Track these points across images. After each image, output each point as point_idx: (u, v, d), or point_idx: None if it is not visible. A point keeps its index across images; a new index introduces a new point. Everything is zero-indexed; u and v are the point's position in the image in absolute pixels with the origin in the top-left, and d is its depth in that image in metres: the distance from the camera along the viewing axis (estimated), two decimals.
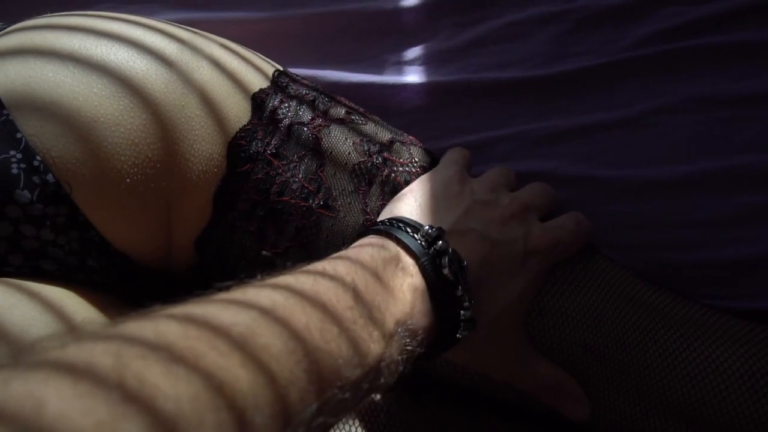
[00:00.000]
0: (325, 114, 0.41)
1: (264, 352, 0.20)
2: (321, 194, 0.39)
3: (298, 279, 0.25)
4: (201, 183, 0.37)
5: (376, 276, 0.28)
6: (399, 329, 0.27)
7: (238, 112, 0.38)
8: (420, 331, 0.28)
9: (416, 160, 0.41)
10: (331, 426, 0.23)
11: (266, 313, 0.21)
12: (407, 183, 0.39)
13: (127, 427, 0.15)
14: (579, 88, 0.47)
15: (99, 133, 0.34)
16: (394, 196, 0.38)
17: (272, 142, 0.39)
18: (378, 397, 0.40)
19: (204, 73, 0.38)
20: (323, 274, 0.26)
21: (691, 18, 0.46)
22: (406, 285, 0.29)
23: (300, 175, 0.39)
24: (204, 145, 0.37)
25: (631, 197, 0.45)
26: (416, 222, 0.32)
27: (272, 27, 0.51)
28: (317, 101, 0.42)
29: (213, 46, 0.40)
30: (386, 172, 0.40)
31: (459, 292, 0.30)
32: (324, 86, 0.45)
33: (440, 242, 0.31)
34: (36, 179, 0.33)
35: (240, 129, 0.38)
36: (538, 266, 0.36)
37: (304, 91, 0.42)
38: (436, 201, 0.35)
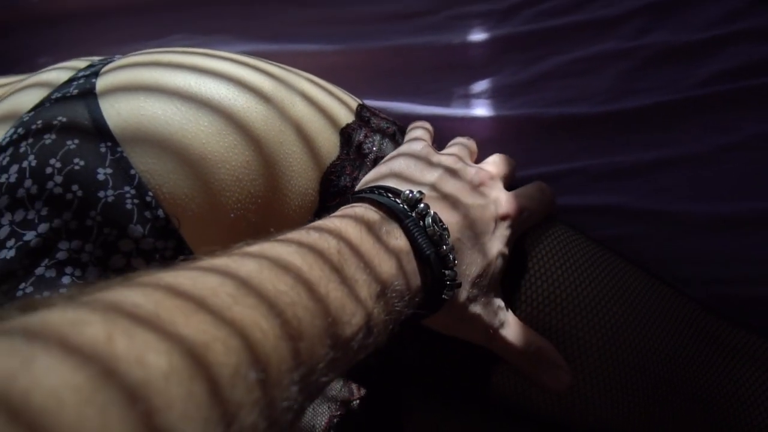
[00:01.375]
0: None
1: (252, 312, 0.20)
2: None
3: (282, 244, 0.25)
4: (296, 218, 0.38)
5: (361, 239, 0.28)
6: (386, 290, 0.27)
7: (329, 147, 0.39)
8: (407, 292, 0.29)
9: None
10: (326, 384, 0.23)
11: (252, 276, 0.22)
12: None
13: (118, 381, 0.15)
14: (645, 125, 0.48)
15: (207, 170, 0.35)
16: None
17: (359, 177, 0.40)
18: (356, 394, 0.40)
19: (298, 110, 0.39)
20: (308, 239, 0.26)
21: (756, 57, 0.48)
22: (391, 247, 0.29)
23: None
24: (300, 180, 0.38)
25: (698, 233, 0.46)
26: (395, 188, 0.33)
27: (342, 60, 0.52)
28: (397, 135, 0.43)
29: (302, 81, 0.41)
30: None
31: (443, 252, 0.31)
32: (394, 118, 0.46)
33: (421, 205, 0.32)
34: (147, 214, 0.34)
35: (331, 164, 0.39)
36: (509, 231, 0.37)
37: (384, 125, 0.43)
38: (410, 170, 0.37)
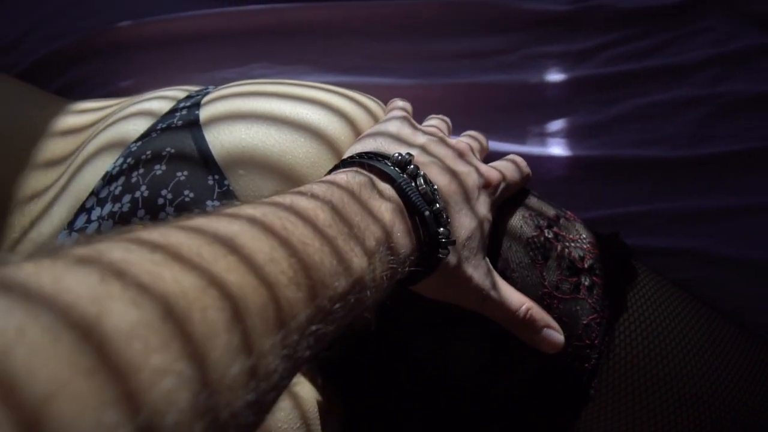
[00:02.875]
0: None
1: (249, 260, 0.20)
2: (499, 265, 0.40)
3: (276, 201, 0.25)
4: None
5: (353, 199, 0.28)
6: (380, 247, 0.27)
7: None
8: (402, 250, 0.29)
9: (584, 236, 0.42)
10: (326, 336, 0.22)
11: (247, 227, 0.21)
12: (582, 260, 0.40)
13: (112, 321, 0.15)
14: (721, 171, 0.49)
15: None
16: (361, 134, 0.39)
17: None
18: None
19: None
20: (301, 197, 0.26)
21: None
22: (384, 206, 0.29)
23: None
24: None
25: None
26: (384, 152, 0.33)
27: (417, 94, 0.53)
28: None
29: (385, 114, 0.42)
30: (560, 248, 0.41)
31: (436, 209, 0.31)
32: None
33: (411, 166, 0.32)
34: None
35: None
36: (491, 198, 0.38)
37: None
38: (398, 135, 0.37)
